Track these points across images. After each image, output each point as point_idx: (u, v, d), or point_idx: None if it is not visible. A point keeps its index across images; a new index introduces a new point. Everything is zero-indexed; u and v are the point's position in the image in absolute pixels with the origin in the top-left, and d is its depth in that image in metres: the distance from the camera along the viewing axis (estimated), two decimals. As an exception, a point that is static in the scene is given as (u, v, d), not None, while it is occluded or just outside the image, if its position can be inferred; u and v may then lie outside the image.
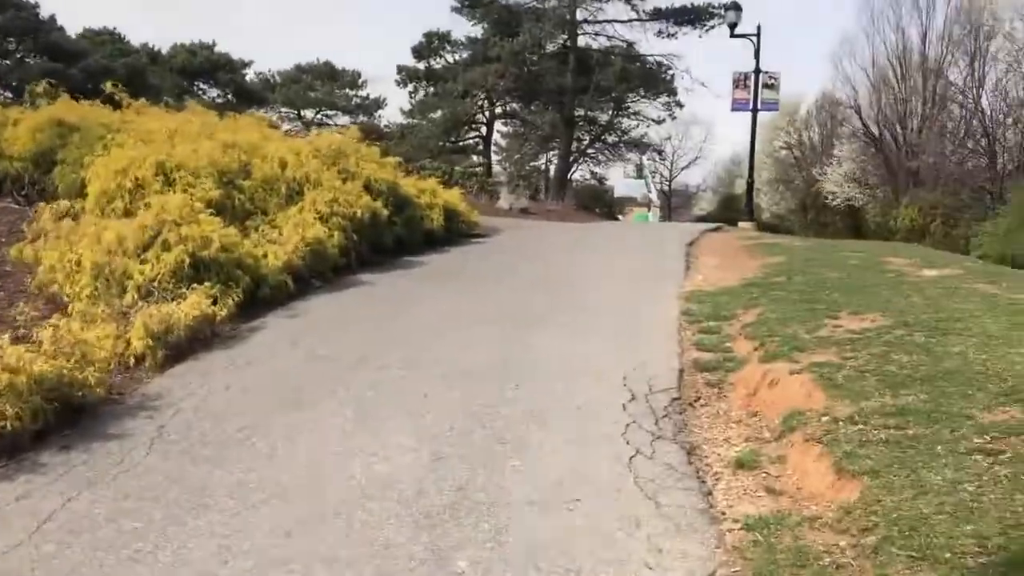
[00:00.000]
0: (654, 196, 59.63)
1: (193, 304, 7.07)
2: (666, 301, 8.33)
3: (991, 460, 4.08)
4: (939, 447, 4.32)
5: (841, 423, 4.86)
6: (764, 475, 4.72)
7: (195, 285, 7.44)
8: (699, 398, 5.91)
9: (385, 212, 10.85)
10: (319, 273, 9.38)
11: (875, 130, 40.16)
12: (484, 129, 32.21)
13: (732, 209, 42.65)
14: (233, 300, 7.57)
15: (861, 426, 4.78)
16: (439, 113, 28.02)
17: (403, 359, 6.42)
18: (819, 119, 48.42)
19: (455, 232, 13.63)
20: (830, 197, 43.44)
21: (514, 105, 32.95)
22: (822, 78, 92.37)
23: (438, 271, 10.06)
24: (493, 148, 40.79)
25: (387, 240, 10.88)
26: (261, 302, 8.19)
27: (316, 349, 6.70)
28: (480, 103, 30.54)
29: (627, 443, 5.00)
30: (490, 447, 4.92)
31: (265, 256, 8.69)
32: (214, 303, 7.33)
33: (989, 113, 35.38)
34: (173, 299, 7.24)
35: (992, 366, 5.28)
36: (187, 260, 7.76)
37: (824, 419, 4.98)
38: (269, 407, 5.53)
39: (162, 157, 9.88)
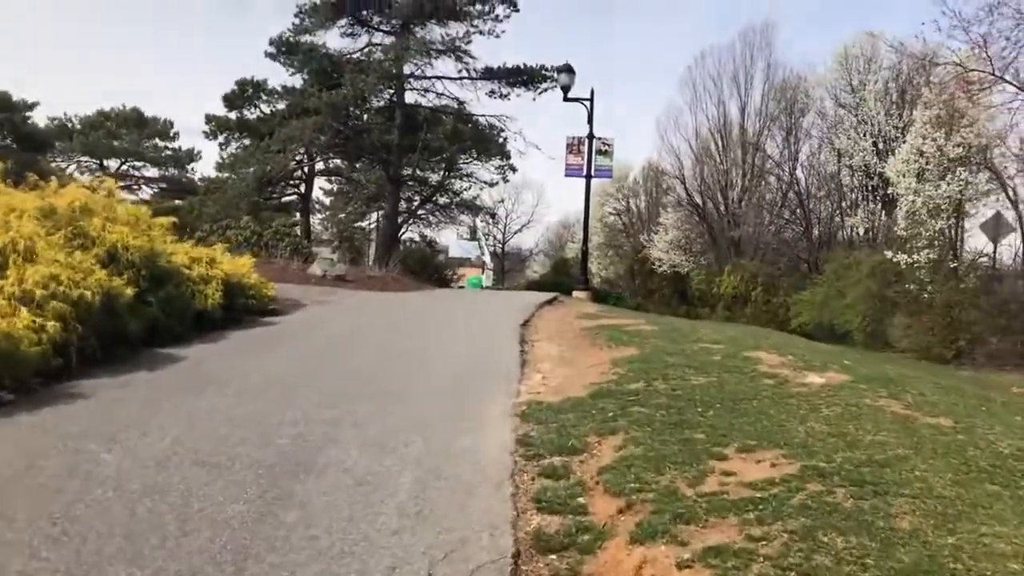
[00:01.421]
0: (488, 259, 58.69)
1: None
2: (496, 421, 6.22)
3: None
4: None
5: None
6: None
7: None
8: (544, 609, 3.81)
9: (129, 291, 8.14)
10: (17, 382, 6.58)
11: (698, 200, 41.05)
12: (304, 186, 29.50)
13: (564, 274, 42.11)
14: None
15: None
16: (252, 168, 25.16)
17: (83, 553, 3.88)
18: (646, 187, 49.46)
19: (241, 310, 11.04)
20: (657, 264, 43.96)
21: (337, 161, 30.56)
22: (648, 147, 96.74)
23: (191, 374, 7.44)
24: (317, 207, 38.05)
25: (132, 328, 8.14)
26: None
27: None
28: (299, 158, 27.90)
29: None
30: None
31: (-87, 363, 5.85)
32: None
33: (804, 185, 36.92)
34: None
35: (971, 562, 3.51)
36: None
37: None
38: None
39: None
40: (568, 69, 22.38)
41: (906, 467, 4.61)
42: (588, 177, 22.33)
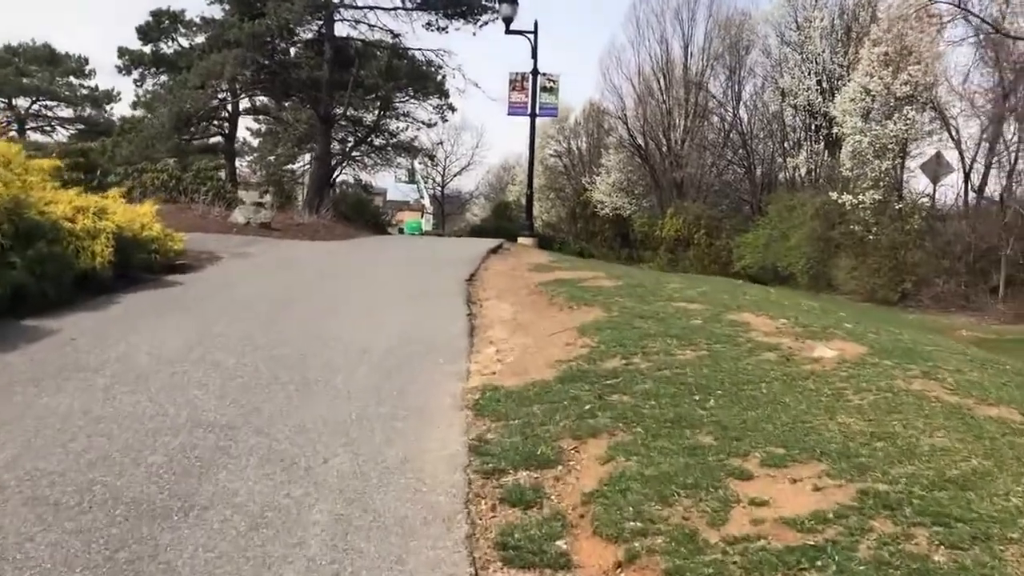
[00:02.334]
0: (427, 202, 56.67)
1: None
2: (442, 417, 4.83)
3: None
4: None
5: None
6: None
7: None
8: None
9: (-21, 252, 6.44)
10: None
11: (641, 141, 39.80)
12: (228, 127, 27.07)
13: (506, 218, 40.63)
14: None
15: None
16: (168, 107, 22.76)
17: None
18: (587, 128, 47.95)
19: (141, 268, 9.32)
20: (599, 207, 42.80)
21: (264, 99, 28.13)
22: (589, 87, 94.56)
23: (56, 356, 5.77)
24: (245, 148, 35.49)
25: (-14, 296, 6.47)
26: None
27: None
28: (222, 96, 25.46)
29: None
30: None
31: None
32: None
33: (747, 125, 35.92)
34: None
35: None
36: None
37: None
38: None
39: None
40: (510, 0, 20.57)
41: (996, 490, 3.39)
42: (533, 116, 20.75)
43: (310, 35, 24.46)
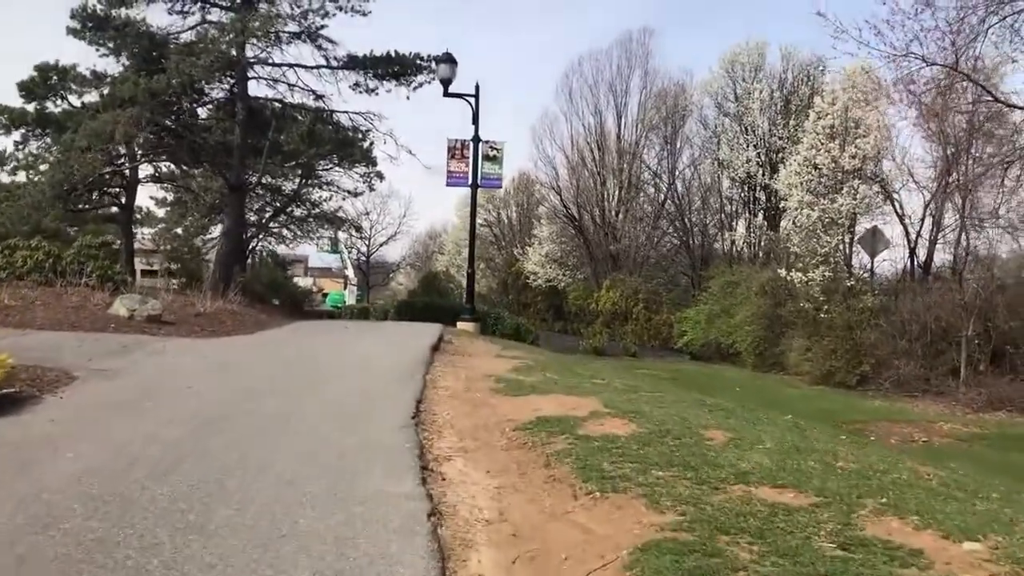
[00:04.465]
0: (351, 273, 53.17)
1: None
2: None
3: None
4: None
5: None
6: None
7: None
8: None
9: None
10: None
11: (574, 211, 37.81)
12: (125, 196, 23.34)
13: (436, 290, 37.70)
14: None
15: None
16: (50, 173, 19.10)
17: None
18: (517, 199, 45.89)
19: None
20: (532, 278, 40.46)
21: (171, 165, 24.61)
22: (517, 157, 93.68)
23: None
24: (151, 218, 31.58)
25: None
26: None
27: None
28: (120, 161, 21.91)
29: None
30: None
31: None
32: None
33: (683, 197, 34.25)
34: None
35: None
36: None
37: None
38: None
39: None
40: (449, 59, 18.03)
41: None
42: (475, 187, 18.04)
43: (221, 94, 21.28)
